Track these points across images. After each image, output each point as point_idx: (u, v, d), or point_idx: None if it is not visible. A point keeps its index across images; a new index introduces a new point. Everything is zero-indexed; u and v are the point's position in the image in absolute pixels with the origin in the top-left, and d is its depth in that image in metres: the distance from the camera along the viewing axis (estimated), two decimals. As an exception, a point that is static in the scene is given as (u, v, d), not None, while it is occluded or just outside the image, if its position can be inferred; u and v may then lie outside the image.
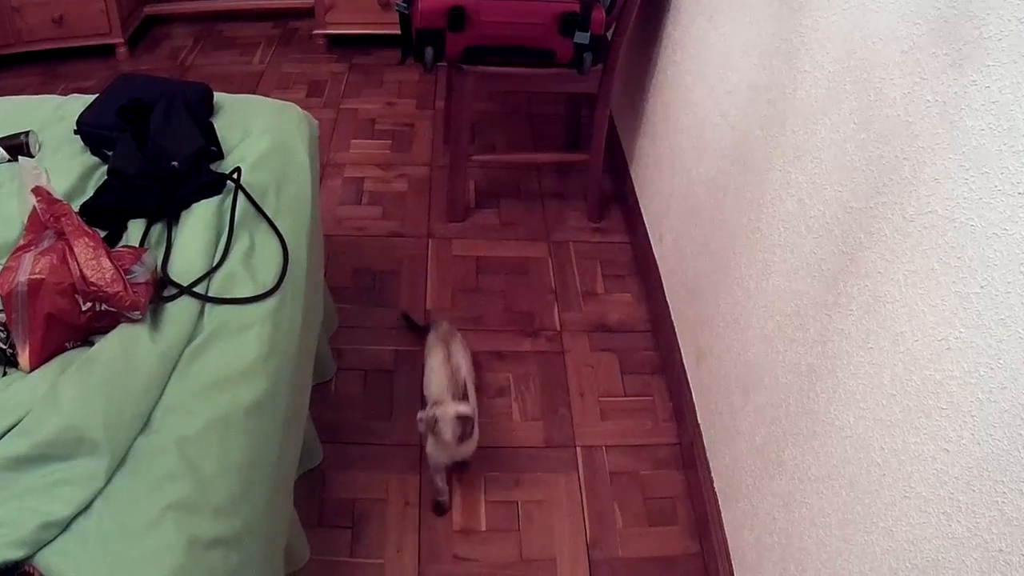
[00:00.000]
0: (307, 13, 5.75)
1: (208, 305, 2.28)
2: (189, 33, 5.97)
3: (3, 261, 2.44)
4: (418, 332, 3.18)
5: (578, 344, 3.47)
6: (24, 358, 2.12)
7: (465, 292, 3.67)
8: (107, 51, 5.65)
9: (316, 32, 5.58)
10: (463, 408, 2.60)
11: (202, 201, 2.54)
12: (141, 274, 2.18)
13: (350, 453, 3.04)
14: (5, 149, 2.88)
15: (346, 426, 3.13)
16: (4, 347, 2.18)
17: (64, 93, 3.08)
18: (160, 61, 5.63)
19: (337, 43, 5.59)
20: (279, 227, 2.53)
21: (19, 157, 2.76)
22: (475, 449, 2.80)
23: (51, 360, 2.14)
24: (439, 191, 4.22)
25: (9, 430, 1.94)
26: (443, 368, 2.84)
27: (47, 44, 5.60)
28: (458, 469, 2.96)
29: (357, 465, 3.01)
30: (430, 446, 2.72)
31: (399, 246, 3.90)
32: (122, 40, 5.64)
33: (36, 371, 2.12)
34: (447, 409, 2.60)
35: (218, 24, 6.04)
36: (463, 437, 2.59)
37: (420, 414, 2.58)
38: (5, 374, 2.16)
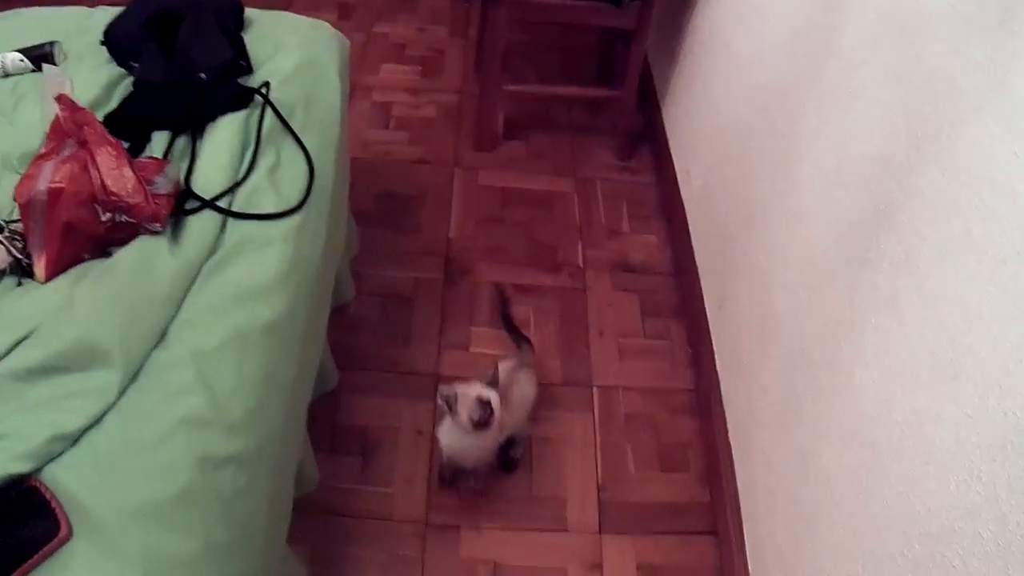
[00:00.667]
0: (340, -63, 5.68)
1: (230, 220, 2.26)
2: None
3: (22, 169, 2.43)
4: (511, 330, 3.09)
5: (600, 282, 3.45)
6: (40, 268, 2.11)
7: (489, 223, 3.65)
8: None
9: (351, -47, 5.50)
10: (487, 393, 2.47)
11: (228, 115, 2.51)
12: (163, 186, 2.17)
13: (365, 379, 3.04)
14: (29, 59, 2.87)
15: (362, 351, 3.12)
16: (20, 257, 2.16)
17: (91, 5, 3.05)
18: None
19: (370, -33, 5.53)
20: (306, 144, 2.51)
21: (43, 66, 2.74)
22: (488, 461, 2.70)
23: (67, 271, 2.12)
24: (468, 120, 4.18)
25: (22, 340, 1.93)
26: (504, 372, 2.69)
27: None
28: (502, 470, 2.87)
29: (371, 392, 3.01)
30: (443, 428, 2.60)
31: (425, 173, 3.87)
32: None
33: (51, 281, 2.10)
34: (471, 389, 2.48)
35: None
36: (479, 424, 2.43)
37: (442, 388, 2.50)
38: (20, 284, 2.14)
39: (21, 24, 3.12)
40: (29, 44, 2.88)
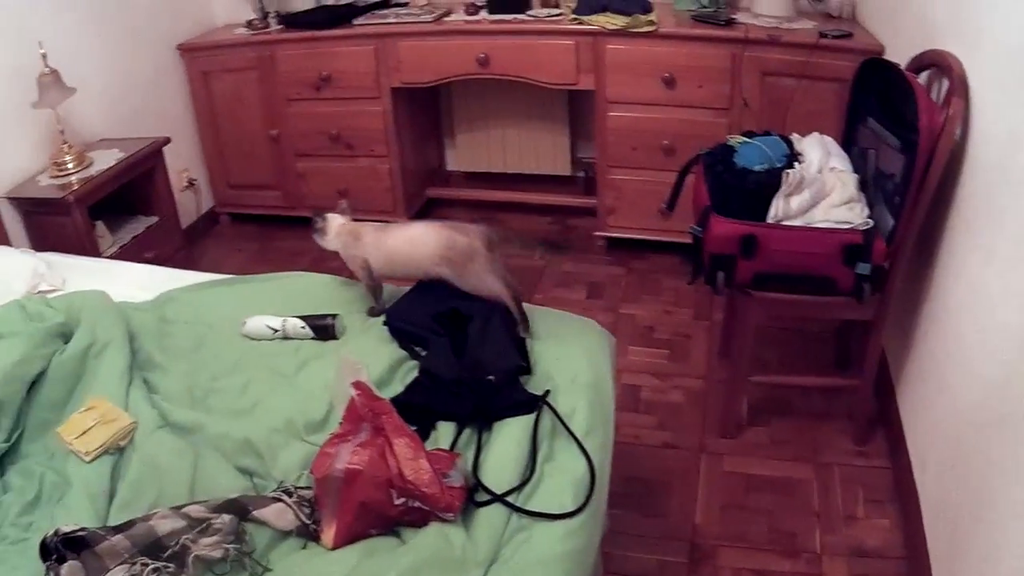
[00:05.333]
0: (587, 212, 5.99)
1: (514, 516, 2.40)
2: (468, 219, 6.18)
3: (308, 437, 2.66)
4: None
5: (835, 567, 3.46)
6: (328, 536, 2.30)
7: (733, 509, 3.72)
8: (388, 227, 5.96)
9: (596, 233, 5.80)
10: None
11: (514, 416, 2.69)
12: (456, 478, 2.34)
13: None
14: (311, 328, 3.12)
15: (610, 630, 3.20)
16: (307, 522, 2.35)
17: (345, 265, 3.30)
18: (440, 246, 5.90)
19: (615, 245, 5.79)
20: (586, 447, 2.63)
21: (342, 357, 2.95)
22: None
23: (355, 543, 2.31)
24: (713, 405, 4.31)
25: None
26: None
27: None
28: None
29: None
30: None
31: (672, 458, 4.00)
32: (406, 219, 5.97)
33: (339, 550, 2.29)
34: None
35: (497, 214, 6.36)
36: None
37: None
38: (305, 547, 2.33)
39: (300, 287, 3.48)
40: (308, 310, 3.18)
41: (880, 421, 4.15)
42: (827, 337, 4.70)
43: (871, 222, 3.45)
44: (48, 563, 2.24)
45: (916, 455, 3.61)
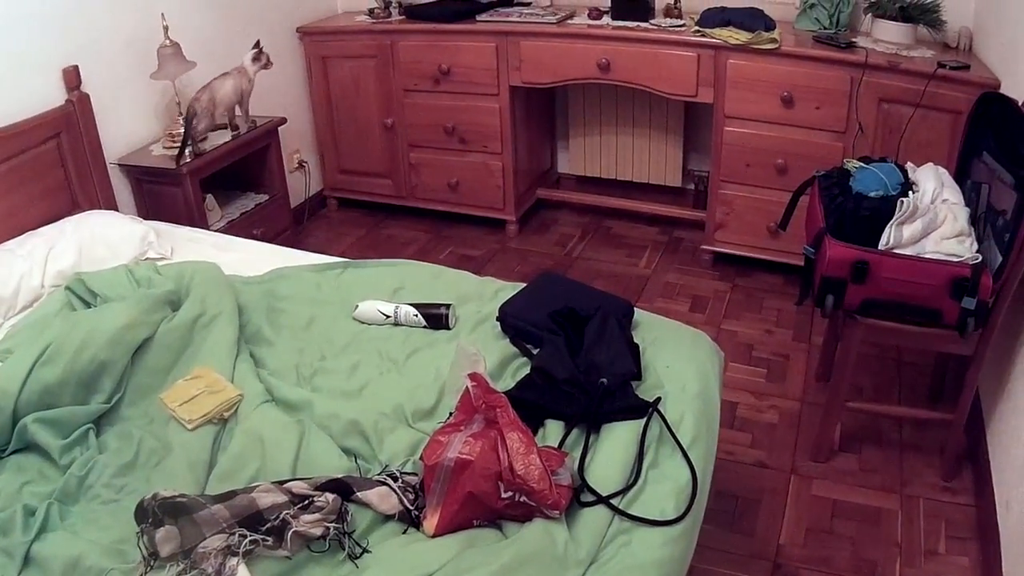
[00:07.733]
0: (695, 225, 6.02)
1: (616, 519, 2.43)
2: (576, 223, 6.38)
3: (415, 424, 2.71)
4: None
5: None
6: (431, 523, 2.35)
7: (818, 533, 3.72)
8: (496, 224, 6.14)
9: (703, 247, 5.80)
10: None
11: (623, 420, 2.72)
12: (564, 477, 2.39)
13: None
14: (423, 316, 3.16)
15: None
16: (410, 507, 2.40)
17: (451, 257, 3.27)
18: (548, 246, 6.04)
19: (721, 260, 5.78)
20: (691, 457, 2.66)
21: (459, 344, 3.00)
22: None
23: (456, 532, 2.35)
24: (807, 428, 4.31)
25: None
26: None
27: (438, 205, 6.21)
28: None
29: None
30: None
31: (763, 477, 4.01)
32: (514, 218, 6.12)
33: (440, 538, 2.33)
34: None
35: (605, 220, 6.43)
36: None
37: None
38: (405, 532, 2.38)
39: (413, 275, 3.51)
40: (417, 299, 3.25)
41: (967, 456, 4.14)
42: (921, 367, 4.69)
43: (979, 257, 3.45)
44: (143, 526, 2.32)
45: (1001, 495, 3.60)
